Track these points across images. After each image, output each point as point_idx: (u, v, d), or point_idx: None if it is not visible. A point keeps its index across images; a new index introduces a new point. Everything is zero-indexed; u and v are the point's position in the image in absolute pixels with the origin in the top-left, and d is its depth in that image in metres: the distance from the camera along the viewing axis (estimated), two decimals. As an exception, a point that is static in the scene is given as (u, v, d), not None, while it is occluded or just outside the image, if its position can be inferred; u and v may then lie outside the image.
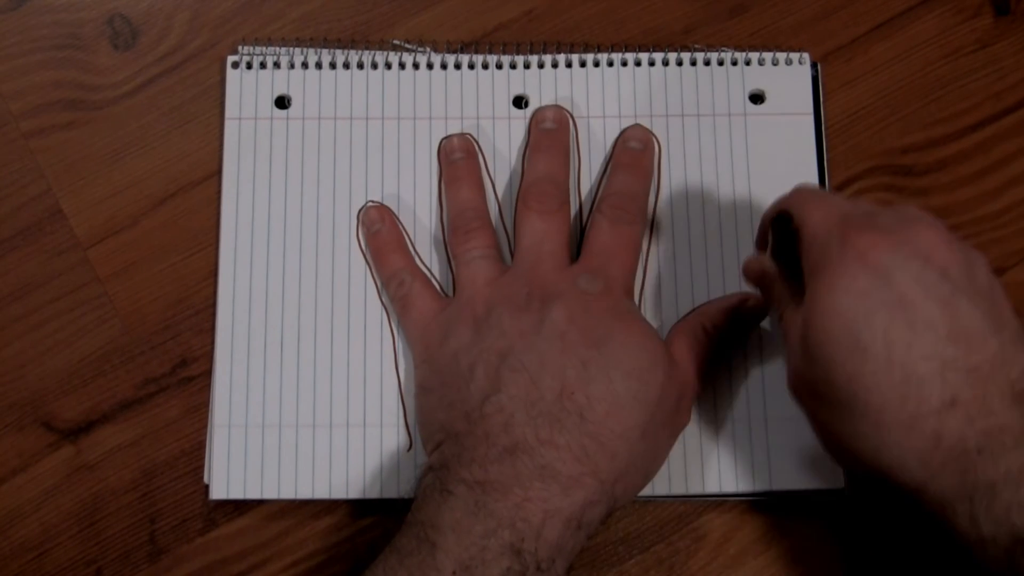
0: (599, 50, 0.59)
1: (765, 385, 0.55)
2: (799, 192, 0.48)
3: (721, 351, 0.54)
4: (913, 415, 0.41)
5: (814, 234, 0.45)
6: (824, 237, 0.44)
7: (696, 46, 0.59)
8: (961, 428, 0.41)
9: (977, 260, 0.44)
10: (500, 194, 0.57)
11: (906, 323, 0.42)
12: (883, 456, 0.43)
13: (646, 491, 0.52)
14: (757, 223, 0.56)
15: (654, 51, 0.59)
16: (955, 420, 0.41)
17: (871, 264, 0.42)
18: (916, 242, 0.43)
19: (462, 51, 0.59)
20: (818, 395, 0.44)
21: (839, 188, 0.58)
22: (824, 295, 0.43)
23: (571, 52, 0.59)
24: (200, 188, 0.57)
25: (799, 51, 0.59)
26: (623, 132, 0.57)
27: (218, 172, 0.57)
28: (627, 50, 0.59)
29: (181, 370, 0.55)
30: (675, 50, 0.59)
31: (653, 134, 0.57)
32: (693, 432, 0.54)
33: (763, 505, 0.54)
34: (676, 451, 0.53)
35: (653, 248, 0.56)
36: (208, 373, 0.55)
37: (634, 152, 0.56)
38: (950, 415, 0.41)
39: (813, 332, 0.43)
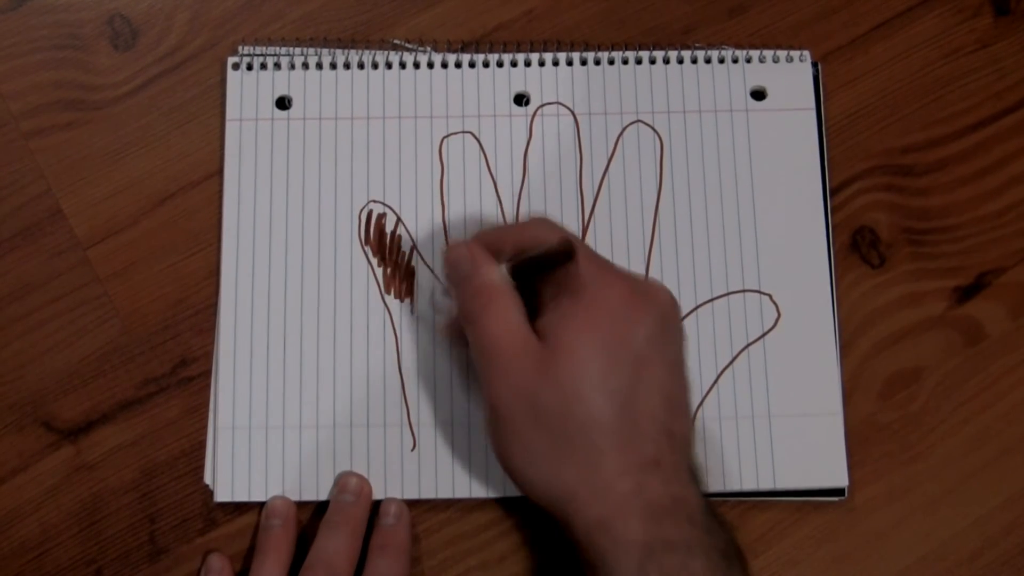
0: (599, 49, 0.59)
1: (769, 384, 0.55)
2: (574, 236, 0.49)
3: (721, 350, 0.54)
4: (627, 463, 0.44)
5: (585, 274, 0.47)
6: (587, 276, 0.47)
7: (697, 44, 0.59)
8: (659, 487, 0.44)
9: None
10: (501, 191, 0.57)
11: (644, 382, 0.45)
12: (584, 486, 0.45)
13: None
14: (759, 217, 0.56)
15: (655, 49, 0.59)
16: (656, 479, 0.45)
17: (621, 316, 0.46)
18: (654, 300, 0.47)
19: (462, 51, 0.59)
20: (542, 416, 0.45)
21: (839, 188, 0.58)
22: (584, 334, 0.45)
23: (572, 51, 0.59)
24: (200, 188, 0.57)
25: (800, 49, 0.59)
26: (379, 507, 0.53)
27: (218, 172, 0.57)
28: (627, 48, 0.59)
29: (181, 370, 0.55)
30: (676, 48, 0.59)
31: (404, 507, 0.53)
32: (696, 432, 0.54)
33: (763, 505, 0.54)
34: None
35: (655, 244, 0.56)
36: (208, 373, 0.55)
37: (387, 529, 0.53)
38: (654, 473, 0.45)
39: (567, 363, 0.45)
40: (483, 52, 0.59)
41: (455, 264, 0.48)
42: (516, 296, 0.47)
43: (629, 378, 0.45)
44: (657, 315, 0.47)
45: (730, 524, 0.47)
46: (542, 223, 0.49)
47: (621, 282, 0.47)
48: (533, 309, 0.48)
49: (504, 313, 0.46)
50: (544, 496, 0.46)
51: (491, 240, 0.49)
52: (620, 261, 0.55)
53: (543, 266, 0.47)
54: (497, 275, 0.47)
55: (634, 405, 0.45)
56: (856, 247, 0.58)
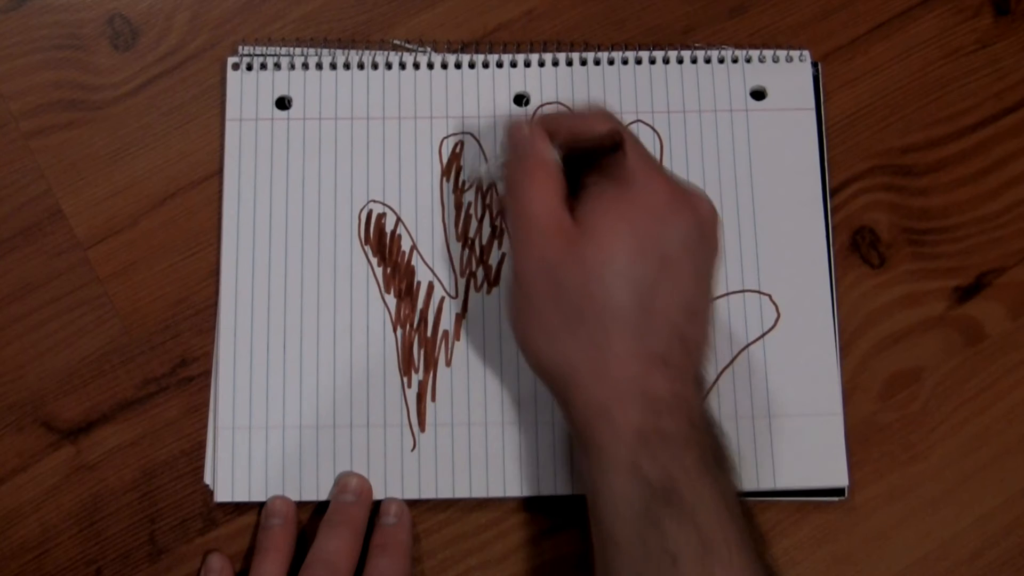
0: (599, 49, 0.59)
1: (768, 385, 0.55)
2: (626, 130, 0.49)
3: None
4: (634, 353, 0.45)
5: (632, 167, 0.48)
6: (633, 170, 0.48)
7: (697, 44, 0.59)
8: (662, 382, 0.45)
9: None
10: (500, 192, 0.57)
11: (667, 282, 0.46)
12: (587, 367, 0.45)
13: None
14: (759, 217, 0.56)
15: (655, 49, 0.59)
16: (660, 374, 0.45)
17: (658, 214, 0.47)
18: (694, 207, 0.48)
19: (462, 51, 0.59)
20: (561, 292, 0.46)
21: (839, 188, 0.58)
22: (618, 223, 0.46)
23: (571, 51, 0.59)
24: (200, 188, 0.57)
25: (800, 49, 0.59)
26: (379, 507, 0.54)
27: (218, 172, 0.57)
28: (626, 49, 0.59)
29: (181, 370, 0.55)
30: (676, 48, 0.59)
31: (405, 507, 0.54)
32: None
33: (763, 505, 0.54)
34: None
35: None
36: (208, 373, 0.55)
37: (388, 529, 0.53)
38: (659, 368, 0.45)
39: (595, 245, 0.46)
40: (483, 52, 0.59)
41: (513, 138, 0.50)
42: (561, 178, 0.48)
43: (652, 274, 0.46)
44: (694, 222, 0.47)
45: (728, 435, 0.48)
46: (599, 114, 0.50)
47: (665, 183, 0.48)
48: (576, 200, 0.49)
49: (546, 188, 0.47)
50: (548, 370, 0.47)
51: (549, 124, 0.50)
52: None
53: (592, 156, 0.48)
54: (550, 154, 0.48)
55: (651, 301, 0.46)
56: (856, 247, 0.58)
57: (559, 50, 0.59)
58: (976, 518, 0.55)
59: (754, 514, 0.46)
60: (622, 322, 0.45)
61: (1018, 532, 0.55)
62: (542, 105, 0.58)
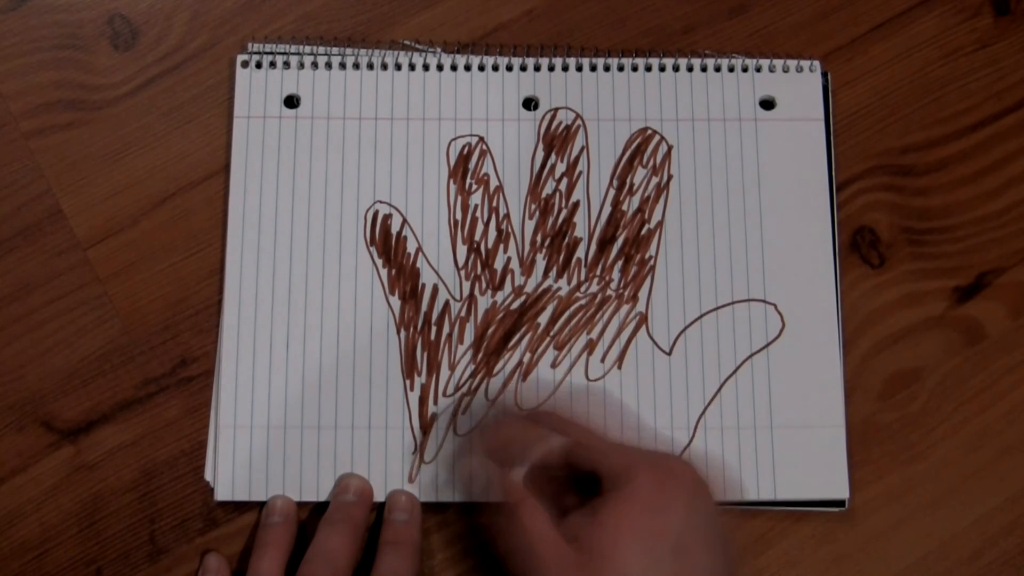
0: (609, 55, 0.59)
1: (771, 395, 0.55)
2: (588, 444, 0.48)
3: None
4: None
5: (602, 470, 0.46)
6: (607, 471, 0.46)
7: (707, 52, 0.59)
8: None
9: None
10: (508, 195, 0.57)
11: (687, 570, 0.44)
12: None
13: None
14: (766, 227, 0.56)
15: (664, 56, 0.59)
16: None
17: (651, 506, 0.45)
18: (682, 481, 0.46)
19: (460, 51, 0.59)
20: None
21: (839, 188, 0.58)
22: (618, 535, 0.44)
23: (582, 56, 0.59)
24: (200, 188, 0.57)
25: (809, 59, 0.59)
26: (389, 499, 0.54)
27: (218, 172, 0.57)
28: (637, 55, 0.59)
29: (181, 370, 0.55)
30: (685, 56, 0.59)
31: (416, 500, 0.54)
32: (698, 442, 0.54)
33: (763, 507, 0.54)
34: (678, 451, 0.53)
35: (661, 253, 0.56)
36: (208, 373, 0.55)
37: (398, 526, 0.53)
38: None
39: (606, 569, 0.44)
40: (489, 54, 0.59)
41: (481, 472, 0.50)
42: (536, 504, 0.47)
43: (671, 570, 0.44)
44: (686, 497, 0.45)
45: None
46: (539, 436, 0.49)
47: (643, 471, 0.46)
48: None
49: (530, 522, 0.46)
50: None
51: (504, 439, 0.50)
52: (626, 268, 0.56)
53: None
54: (518, 491, 0.47)
55: None
56: (856, 247, 0.58)
57: (569, 54, 0.59)
58: (976, 518, 0.55)
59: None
60: None
61: (1018, 532, 0.55)
62: (551, 110, 0.58)
